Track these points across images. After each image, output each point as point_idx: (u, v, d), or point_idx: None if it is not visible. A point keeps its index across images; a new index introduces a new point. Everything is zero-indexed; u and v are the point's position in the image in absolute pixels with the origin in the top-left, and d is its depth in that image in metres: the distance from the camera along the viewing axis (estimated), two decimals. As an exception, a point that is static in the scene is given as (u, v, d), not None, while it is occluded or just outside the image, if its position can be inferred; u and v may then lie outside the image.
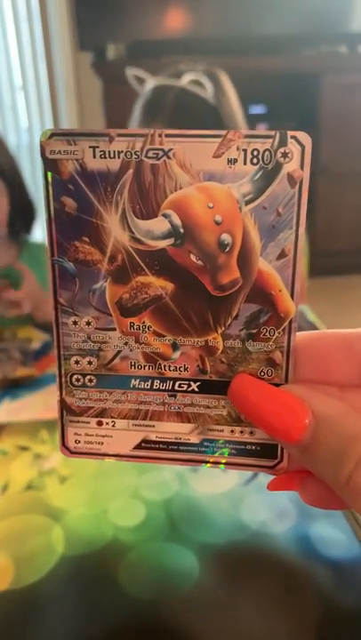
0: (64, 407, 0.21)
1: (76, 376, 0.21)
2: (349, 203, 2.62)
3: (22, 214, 1.02)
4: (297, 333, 0.20)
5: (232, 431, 0.21)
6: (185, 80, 0.92)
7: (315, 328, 0.83)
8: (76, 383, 0.21)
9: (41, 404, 0.70)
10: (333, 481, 0.19)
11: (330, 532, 0.49)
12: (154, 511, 0.52)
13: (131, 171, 0.18)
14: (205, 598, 0.44)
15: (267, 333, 0.20)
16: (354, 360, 0.20)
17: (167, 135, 0.18)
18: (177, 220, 0.19)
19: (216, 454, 0.21)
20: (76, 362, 0.20)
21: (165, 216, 0.19)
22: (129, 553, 0.48)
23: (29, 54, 2.48)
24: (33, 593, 0.45)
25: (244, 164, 0.18)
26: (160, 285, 0.19)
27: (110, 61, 2.39)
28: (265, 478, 0.56)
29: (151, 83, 0.94)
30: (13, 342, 0.83)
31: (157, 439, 0.21)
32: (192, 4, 2.44)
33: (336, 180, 2.56)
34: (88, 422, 0.21)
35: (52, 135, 0.19)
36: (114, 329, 0.20)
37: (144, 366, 0.20)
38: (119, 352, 0.20)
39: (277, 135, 0.19)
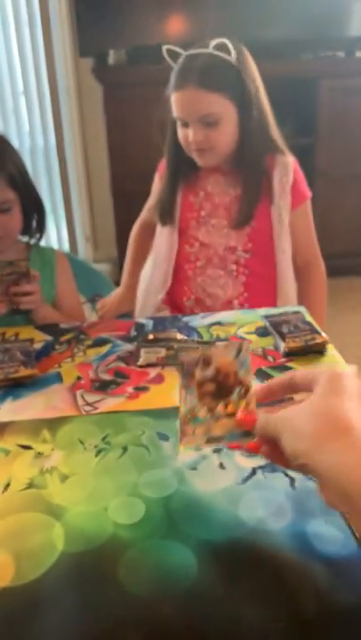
0: (182, 430, 0.44)
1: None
2: (347, 205, 2.63)
3: (35, 217, 1.04)
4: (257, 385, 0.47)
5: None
6: (212, 44, 1.05)
7: (313, 328, 0.84)
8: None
9: (42, 403, 0.71)
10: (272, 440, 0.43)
11: (326, 530, 0.50)
12: (153, 509, 0.53)
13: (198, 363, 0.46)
14: (203, 594, 0.44)
15: (242, 399, 0.45)
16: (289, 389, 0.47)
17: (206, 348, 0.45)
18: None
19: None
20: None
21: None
22: (128, 550, 0.48)
23: (31, 60, 2.50)
24: (33, 589, 0.45)
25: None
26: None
27: (111, 67, 2.41)
28: (262, 476, 0.57)
29: (184, 54, 1.07)
30: (16, 343, 0.84)
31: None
32: (192, 10, 2.46)
33: (334, 182, 2.57)
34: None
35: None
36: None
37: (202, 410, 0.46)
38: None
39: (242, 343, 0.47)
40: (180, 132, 1.11)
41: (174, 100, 1.08)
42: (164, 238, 1.21)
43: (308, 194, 1.19)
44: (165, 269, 1.20)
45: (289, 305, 1.15)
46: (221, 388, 0.42)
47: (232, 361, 0.44)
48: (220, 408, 0.41)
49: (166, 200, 1.18)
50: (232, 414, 0.41)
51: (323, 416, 0.40)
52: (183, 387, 0.43)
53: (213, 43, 1.05)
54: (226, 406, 0.41)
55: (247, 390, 0.43)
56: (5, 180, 0.95)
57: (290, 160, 1.15)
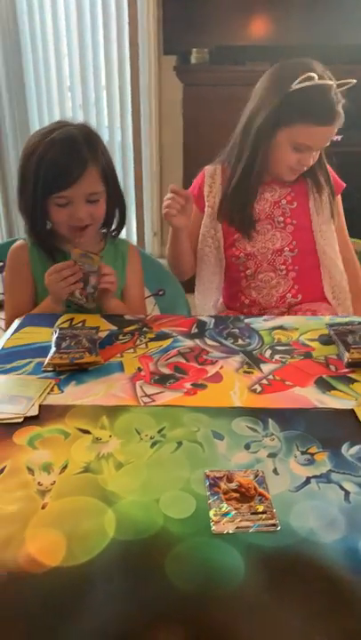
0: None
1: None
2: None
3: (117, 212, 1.06)
4: None
5: None
6: (340, 85, 1.11)
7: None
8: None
9: (103, 390, 0.72)
10: None
11: (380, 549, 0.48)
12: (204, 506, 0.53)
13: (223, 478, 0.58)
14: (248, 598, 0.44)
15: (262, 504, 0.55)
16: None
17: None
18: None
19: None
20: None
21: None
22: (177, 544, 0.49)
23: (115, 54, 2.55)
24: (83, 572, 0.46)
25: None
26: None
27: (192, 65, 2.42)
28: (316, 486, 0.56)
29: (311, 79, 1.10)
30: (82, 330, 0.86)
31: None
32: (275, 12, 2.42)
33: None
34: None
35: None
36: None
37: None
38: None
39: None
40: (289, 155, 1.13)
41: (312, 131, 1.09)
42: (209, 257, 1.23)
43: (343, 183, 1.24)
44: (217, 284, 1.24)
45: (339, 292, 1.21)
46: (244, 495, 0.54)
47: (251, 480, 0.56)
48: (245, 507, 0.53)
49: (243, 212, 1.18)
50: (256, 512, 0.52)
51: None
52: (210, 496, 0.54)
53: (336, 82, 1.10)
54: (250, 507, 0.53)
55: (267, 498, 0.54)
56: (98, 172, 0.98)
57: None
